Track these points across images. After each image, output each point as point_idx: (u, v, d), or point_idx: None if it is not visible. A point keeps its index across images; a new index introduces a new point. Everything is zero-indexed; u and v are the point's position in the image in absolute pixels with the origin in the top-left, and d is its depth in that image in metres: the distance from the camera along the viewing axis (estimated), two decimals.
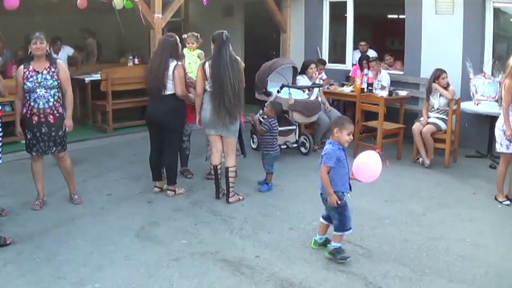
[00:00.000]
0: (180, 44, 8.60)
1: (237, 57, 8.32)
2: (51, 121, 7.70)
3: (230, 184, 8.35)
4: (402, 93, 12.14)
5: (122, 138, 12.82)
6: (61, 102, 7.84)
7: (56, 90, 7.73)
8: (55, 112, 7.74)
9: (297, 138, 11.39)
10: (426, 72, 12.04)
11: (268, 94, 11.05)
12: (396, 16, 17.39)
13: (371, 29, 16.14)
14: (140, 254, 6.56)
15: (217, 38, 8.15)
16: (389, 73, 12.94)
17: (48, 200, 8.29)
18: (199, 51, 9.99)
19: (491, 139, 10.48)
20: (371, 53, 13.79)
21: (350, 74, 13.69)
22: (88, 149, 11.88)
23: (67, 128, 7.92)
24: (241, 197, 8.52)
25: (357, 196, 7.76)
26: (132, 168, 10.40)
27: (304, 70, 12.00)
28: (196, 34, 9.95)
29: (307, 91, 11.46)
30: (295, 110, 10.81)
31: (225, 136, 8.28)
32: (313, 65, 11.95)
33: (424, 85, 11.86)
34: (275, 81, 11.25)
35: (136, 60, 14.65)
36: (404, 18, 13.27)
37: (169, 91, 8.28)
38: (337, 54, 15.31)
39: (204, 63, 8.20)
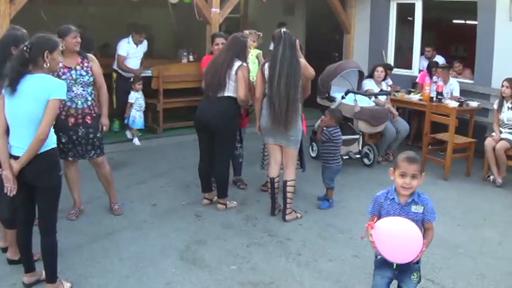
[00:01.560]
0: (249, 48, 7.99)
1: (302, 59, 7.58)
2: (89, 122, 7.02)
3: (288, 200, 7.59)
4: (473, 104, 11.36)
5: (172, 140, 12.08)
6: (96, 100, 7.21)
7: (92, 87, 7.09)
8: (93, 112, 7.07)
9: (360, 148, 10.63)
10: (497, 82, 11.18)
11: (332, 99, 10.29)
12: (462, 21, 17.07)
13: (435, 34, 15.28)
14: (183, 281, 5.84)
15: (276, 36, 7.45)
16: (458, 82, 12.11)
17: (85, 209, 7.65)
18: (258, 51, 9.42)
19: None
20: (439, 60, 13.03)
21: (417, 81, 12.85)
22: (135, 150, 11.20)
23: (104, 128, 7.28)
24: (299, 215, 7.77)
25: None
26: (180, 174, 9.71)
27: (371, 73, 11.34)
28: (258, 33, 9.32)
29: (373, 98, 10.73)
30: (360, 118, 10.06)
31: (284, 146, 7.54)
32: (379, 68, 11.22)
33: (495, 96, 11.20)
34: (339, 86, 10.47)
35: (191, 57, 13.92)
36: (472, 24, 12.81)
37: (228, 92, 7.55)
38: (403, 59, 14.54)
39: (264, 64, 7.50)
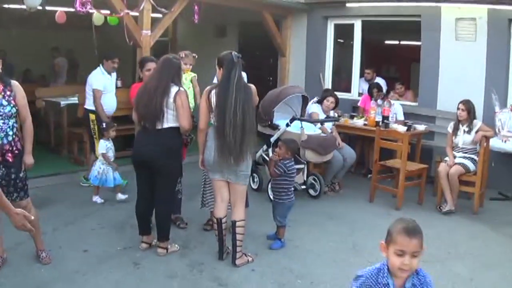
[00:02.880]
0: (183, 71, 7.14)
1: (249, 84, 6.85)
2: (10, 160, 6.02)
3: (238, 243, 6.77)
4: (420, 127, 11.05)
5: None
6: (19, 135, 6.21)
7: (14, 119, 6.08)
8: (14, 148, 6.07)
9: (305, 179, 9.98)
10: (443, 103, 11.38)
11: (275, 127, 9.63)
12: (394, 42, 17.65)
13: (366, 55, 14.66)
14: None
15: (225, 60, 6.59)
16: (401, 104, 11.84)
17: (9, 257, 6.66)
18: (192, 74, 8.70)
19: None
20: (380, 82, 12.60)
21: (359, 105, 12.37)
22: (61, 185, 10.19)
23: (27, 167, 6.26)
24: (250, 259, 6.96)
25: None
26: (113, 212, 8.78)
27: (321, 100, 10.72)
28: (194, 54, 8.49)
29: (319, 125, 10.08)
30: (307, 147, 9.35)
31: (232, 182, 6.72)
32: (331, 99, 10.58)
33: (441, 119, 11.26)
34: (282, 112, 9.80)
35: (119, 83, 13.02)
36: (404, 44, 12.42)
37: (167, 123, 6.69)
38: (342, 82, 14.21)
39: (210, 90, 6.61)
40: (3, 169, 5.95)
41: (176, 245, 7.25)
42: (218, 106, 6.45)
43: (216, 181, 6.80)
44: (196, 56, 8.85)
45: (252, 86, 6.80)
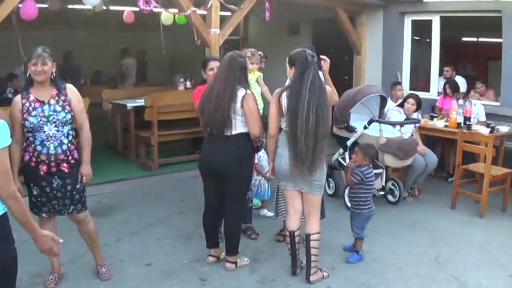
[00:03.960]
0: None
1: (326, 85, 6.21)
2: (66, 170, 5.57)
3: (313, 258, 6.22)
4: (503, 129, 10.32)
5: (169, 178, 10.73)
6: (75, 143, 5.73)
7: (69, 126, 5.61)
8: (70, 158, 5.61)
9: (383, 184, 9.37)
10: None
11: (351, 129, 9.07)
12: (472, 39, 17.15)
13: (443, 53, 14.05)
14: None
15: (298, 59, 5.99)
16: (482, 105, 11.14)
17: (66, 271, 6.25)
18: (258, 73, 8.19)
19: None
20: (459, 80, 11.98)
21: (437, 104, 11.76)
22: (127, 191, 9.79)
23: (84, 179, 5.78)
24: (325, 274, 6.41)
25: (471, 268, 6.73)
26: (179, 221, 8.33)
27: (402, 102, 10.15)
28: (259, 52, 7.98)
29: (398, 127, 9.41)
30: (386, 151, 8.78)
31: (306, 192, 6.17)
32: (411, 100, 9.90)
33: None
34: (358, 114, 9.28)
35: (188, 83, 12.75)
36: (483, 42, 12.90)
37: (236, 129, 6.16)
38: (420, 81, 13.65)
39: (281, 93, 6.04)
40: (58, 180, 5.53)
41: (246, 259, 6.77)
42: (289, 110, 5.89)
43: (288, 191, 6.28)
44: (262, 54, 8.36)
45: (328, 88, 6.19)
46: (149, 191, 9.94)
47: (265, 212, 8.56)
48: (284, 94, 5.96)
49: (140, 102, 11.48)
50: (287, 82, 6.59)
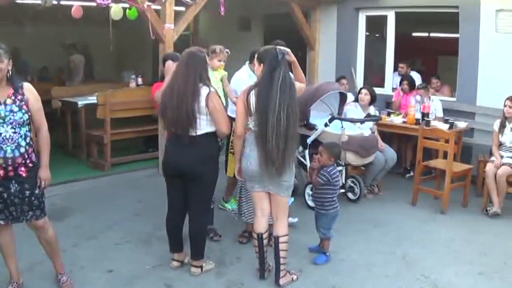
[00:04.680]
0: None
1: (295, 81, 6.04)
2: (24, 174, 5.25)
3: (282, 260, 6.04)
4: (461, 124, 10.40)
5: (122, 178, 10.44)
6: (33, 145, 5.40)
7: (27, 128, 5.28)
8: (28, 161, 5.29)
9: (343, 182, 9.22)
10: (483, 99, 10.78)
11: (311, 127, 8.86)
12: (422, 34, 17.68)
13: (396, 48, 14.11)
14: None
15: (267, 56, 5.80)
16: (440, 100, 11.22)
17: (25, 280, 5.90)
18: (223, 72, 7.83)
19: None
20: (415, 76, 12.07)
21: (393, 100, 11.75)
22: (80, 193, 9.44)
23: (43, 183, 5.45)
24: (294, 277, 6.24)
25: (440, 266, 6.73)
26: (138, 223, 8.03)
27: (357, 97, 10.16)
28: (227, 50, 7.74)
29: (358, 124, 9.36)
30: (349, 149, 8.68)
31: (274, 193, 5.97)
32: (363, 91, 9.99)
33: (481, 115, 10.72)
34: (318, 111, 9.06)
35: (140, 80, 12.46)
36: (434, 36, 13.11)
37: (201, 129, 5.92)
38: (374, 77, 13.56)
39: (249, 91, 5.81)
40: (16, 185, 5.21)
41: (211, 262, 6.54)
42: (258, 109, 5.69)
43: (255, 193, 6.07)
44: (229, 52, 8.15)
45: (298, 84, 6.06)
46: (103, 192, 9.64)
47: (289, 219, 8.02)
48: (252, 93, 5.74)
49: (92, 99, 11.19)
50: (239, 75, 6.42)
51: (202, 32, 16.22)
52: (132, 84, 12.51)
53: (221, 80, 7.77)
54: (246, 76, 7.75)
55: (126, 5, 9.49)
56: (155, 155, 10.53)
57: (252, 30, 15.45)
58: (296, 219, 7.80)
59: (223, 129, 5.97)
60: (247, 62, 7.97)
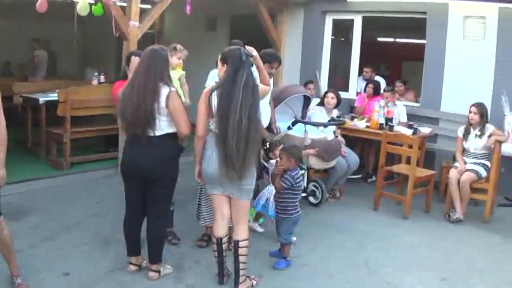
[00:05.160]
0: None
1: (259, 83, 5.97)
2: None
3: (241, 265, 5.93)
4: (425, 130, 10.50)
5: (82, 177, 10.24)
6: None
7: None
8: None
9: (305, 185, 9.12)
10: (448, 105, 10.93)
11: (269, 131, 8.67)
12: (389, 39, 17.87)
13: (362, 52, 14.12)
14: None
15: (231, 57, 5.69)
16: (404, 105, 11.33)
17: None
18: (182, 72, 7.73)
19: None
20: (380, 81, 12.17)
21: (356, 105, 11.84)
22: (38, 192, 9.24)
23: None
24: (254, 282, 6.14)
25: (403, 272, 6.74)
26: (96, 225, 7.86)
27: (322, 101, 10.17)
28: (184, 50, 7.63)
29: (322, 128, 9.35)
30: (312, 152, 8.63)
31: (235, 197, 5.86)
32: (329, 94, 9.92)
33: (446, 121, 10.86)
34: (281, 114, 8.97)
35: (102, 78, 12.31)
36: (400, 42, 12.67)
37: (160, 130, 5.79)
38: (339, 80, 13.65)
39: (211, 92, 5.69)
40: None
41: (169, 266, 6.40)
42: (220, 111, 5.56)
43: (215, 196, 5.96)
44: (187, 53, 8.03)
45: (262, 86, 5.99)
46: (62, 191, 9.45)
47: (257, 227, 7.91)
48: (214, 94, 5.62)
49: (53, 96, 11.01)
50: (210, 78, 6.33)
51: (167, 31, 16.10)
52: (94, 82, 12.32)
53: (179, 80, 7.67)
54: None
55: (92, 1, 9.38)
56: (115, 155, 10.31)
57: (218, 30, 15.38)
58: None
59: (183, 131, 5.84)
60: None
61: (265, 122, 7.85)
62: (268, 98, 7.71)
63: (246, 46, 5.92)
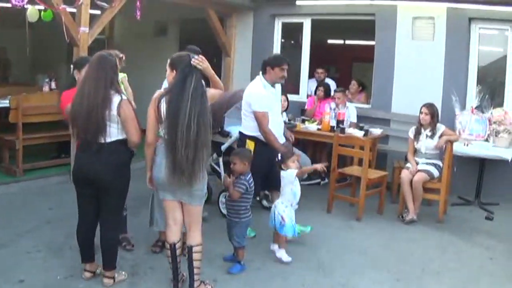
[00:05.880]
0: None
1: (208, 88, 5.94)
2: None
3: (196, 271, 5.94)
4: (376, 131, 10.63)
5: (34, 184, 10.16)
6: None
7: None
8: None
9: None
10: (398, 106, 11.12)
11: (225, 134, 8.90)
12: (338, 41, 18.11)
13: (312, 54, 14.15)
14: None
15: (180, 62, 5.75)
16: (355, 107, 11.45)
17: None
18: (122, 74, 7.67)
19: (480, 184, 10.04)
20: (330, 83, 12.34)
21: (306, 107, 11.94)
22: None
23: None
24: (209, 287, 6.17)
25: (358, 274, 6.80)
26: (49, 232, 7.80)
27: None
28: (121, 55, 7.59)
29: None
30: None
31: (187, 203, 5.88)
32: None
33: (396, 122, 11.05)
34: (233, 118, 9.01)
35: (53, 84, 12.26)
36: (349, 44, 12.67)
37: (111, 137, 5.78)
38: (289, 83, 13.33)
39: (160, 98, 5.71)
40: None
41: (124, 273, 6.39)
42: (168, 117, 5.59)
43: (167, 202, 5.96)
44: (124, 57, 7.99)
45: (212, 90, 5.98)
46: (15, 198, 9.38)
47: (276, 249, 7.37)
48: (163, 100, 5.65)
49: (4, 103, 10.94)
50: (164, 86, 6.35)
51: (117, 37, 15.97)
52: (46, 88, 12.31)
53: (122, 82, 7.68)
54: (261, 88, 7.70)
55: (42, 7, 9.33)
56: (68, 161, 10.27)
57: (168, 35, 15.35)
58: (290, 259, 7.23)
59: (133, 139, 5.85)
60: (261, 73, 7.84)
61: (279, 136, 7.97)
62: (279, 110, 8.00)
63: (195, 56, 5.88)
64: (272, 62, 7.68)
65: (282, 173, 7.12)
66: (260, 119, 7.58)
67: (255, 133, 7.78)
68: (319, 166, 7.08)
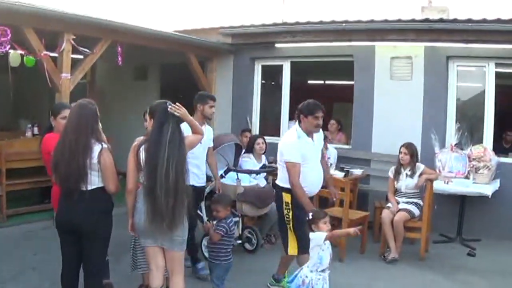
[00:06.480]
0: None
1: (188, 134, 6.05)
2: None
3: None
4: (357, 172, 10.72)
5: (18, 230, 10.15)
6: None
7: None
8: None
9: (240, 233, 9.27)
10: (378, 146, 11.19)
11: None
12: (319, 82, 18.05)
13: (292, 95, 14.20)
14: None
15: (157, 111, 5.83)
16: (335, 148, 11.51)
17: None
18: None
19: (461, 221, 10.13)
20: None
21: None
22: None
23: None
24: None
25: None
26: (34, 278, 7.78)
27: (250, 148, 10.08)
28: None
29: (254, 175, 9.53)
30: (245, 200, 8.78)
31: (168, 249, 5.92)
32: (260, 140, 10.01)
33: (377, 161, 11.13)
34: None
35: (36, 129, 12.31)
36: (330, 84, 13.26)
37: (92, 185, 5.81)
38: (270, 125, 13.76)
39: (139, 146, 5.81)
40: None
41: None
42: (147, 164, 5.68)
43: (149, 248, 6.00)
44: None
45: (192, 136, 6.07)
46: None
47: None
48: (142, 148, 5.75)
49: None
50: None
51: (99, 81, 15.93)
52: (28, 134, 12.37)
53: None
54: (294, 137, 7.22)
55: (23, 52, 9.41)
56: (51, 207, 10.31)
57: (149, 79, 15.43)
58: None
59: (110, 187, 5.88)
60: (297, 122, 7.40)
61: (317, 187, 7.60)
62: (317, 160, 7.45)
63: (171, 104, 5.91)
64: (305, 110, 7.24)
65: (311, 234, 6.46)
66: (289, 169, 7.05)
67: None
68: (351, 230, 6.50)
